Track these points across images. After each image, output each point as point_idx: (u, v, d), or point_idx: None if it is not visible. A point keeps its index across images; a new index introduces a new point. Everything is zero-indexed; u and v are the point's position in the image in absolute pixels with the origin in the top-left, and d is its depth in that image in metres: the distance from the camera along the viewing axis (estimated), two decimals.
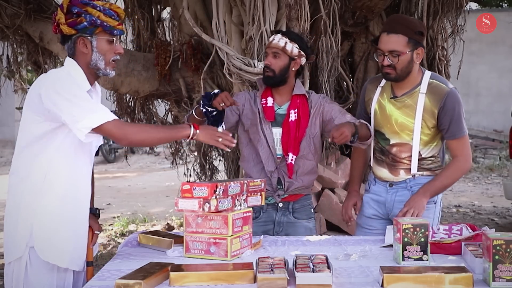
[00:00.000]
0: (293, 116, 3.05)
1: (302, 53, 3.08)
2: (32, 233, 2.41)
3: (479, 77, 14.89)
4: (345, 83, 5.14)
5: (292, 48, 3.04)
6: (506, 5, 14.58)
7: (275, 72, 3.04)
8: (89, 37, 2.47)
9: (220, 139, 2.57)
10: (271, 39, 3.10)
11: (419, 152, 2.98)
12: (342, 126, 2.78)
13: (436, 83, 2.97)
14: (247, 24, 4.02)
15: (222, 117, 2.89)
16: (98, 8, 2.46)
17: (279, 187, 3.08)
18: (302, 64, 3.12)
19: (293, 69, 3.08)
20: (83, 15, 2.44)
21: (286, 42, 3.03)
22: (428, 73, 3.01)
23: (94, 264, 2.66)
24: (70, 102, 2.35)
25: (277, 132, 3.08)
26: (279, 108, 3.11)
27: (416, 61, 2.94)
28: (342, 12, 4.58)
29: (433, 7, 4.88)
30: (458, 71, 5.13)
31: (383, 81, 3.06)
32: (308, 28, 4.04)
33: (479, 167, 11.91)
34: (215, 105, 2.82)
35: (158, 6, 5.92)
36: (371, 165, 3.16)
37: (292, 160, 3.03)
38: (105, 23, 2.46)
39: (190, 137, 2.52)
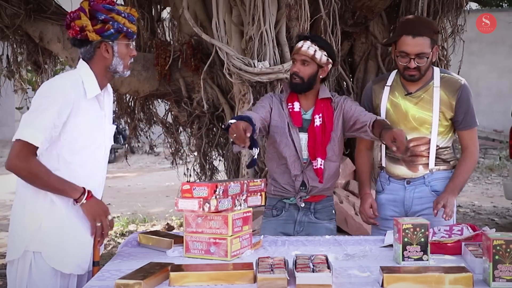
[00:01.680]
0: (318, 121, 3.02)
1: (330, 60, 3.03)
2: (40, 238, 2.40)
3: (479, 77, 14.89)
4: (345, 83, 5.15)
5: (321, 56, 2.99)
6: (506, 5, 14.59)
7: (303, 80, 2.99)
8: (110, 42, 2.47)
9: (98, 223, 2.47)
10: (299, 45, 3.00)
11: (436, 143, 3.02)
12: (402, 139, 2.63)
13: (448, 76, 3.06)
14: (247, 24, 4.02)
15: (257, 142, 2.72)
16: (123, 15, 2.46)
17: (302, 188, 3.05)
18: (329, 70, 3.07)
19: (321, 76, 3.04)
20: (110, 22, 2.43)
21: (315, 50, 2.97)
22: (436, 69, 3.08)
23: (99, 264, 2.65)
24: (31, 111, 2.37)
25: (303, 137, 3.04)
26: (304, 114, 3.07)
27: (433, 59, 2.99)
28: (342, 12, 4.58)
29: (433, 7, 4.88)
30: (458, 71, 5.13)
31: (389, 80, 3.10)
32: (308, 28, 4.04)
33: (479, 167, 11.91)
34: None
35: (158, 6, 5.93)
36: (384, 165, 3.16)
37: (321, 165, 3.00)
38: (129, 30, 2.48)
39: (76, 200, 2.41)
